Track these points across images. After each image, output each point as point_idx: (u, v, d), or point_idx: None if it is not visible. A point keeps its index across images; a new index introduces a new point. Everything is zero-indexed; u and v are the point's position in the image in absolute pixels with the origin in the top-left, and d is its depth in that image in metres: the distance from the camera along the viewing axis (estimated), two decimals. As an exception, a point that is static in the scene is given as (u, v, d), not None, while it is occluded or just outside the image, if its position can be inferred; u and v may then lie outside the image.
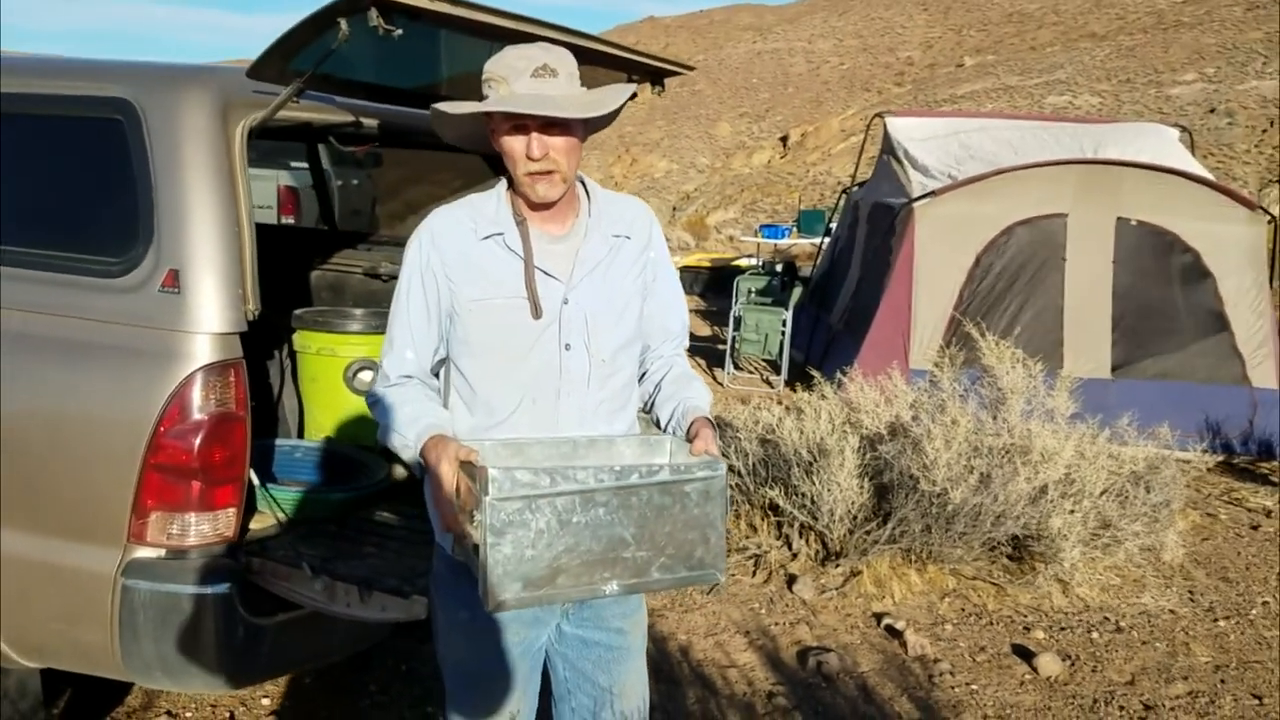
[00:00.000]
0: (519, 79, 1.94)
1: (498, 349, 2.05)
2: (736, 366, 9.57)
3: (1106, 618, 4.57)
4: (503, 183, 2.12)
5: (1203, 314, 7.41)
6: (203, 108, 2.60)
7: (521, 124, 1.96)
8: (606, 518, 1.78)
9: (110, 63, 2.96)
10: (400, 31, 2.32)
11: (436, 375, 2.17)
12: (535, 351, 2.05)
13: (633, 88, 2.14)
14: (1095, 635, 4.40)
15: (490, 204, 2.09)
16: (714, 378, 9.48)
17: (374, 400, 2.11)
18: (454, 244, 2.06)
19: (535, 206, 2.06)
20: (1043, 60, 28.99)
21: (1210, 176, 7.96)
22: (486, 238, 2.06)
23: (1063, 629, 4.46)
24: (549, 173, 1.99)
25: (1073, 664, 4.13)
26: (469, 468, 1.83)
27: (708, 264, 15.03)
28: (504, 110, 1.93)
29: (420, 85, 3.08)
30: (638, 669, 2.28)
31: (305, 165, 7.44)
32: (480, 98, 2.03)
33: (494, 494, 1.71)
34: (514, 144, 1.97)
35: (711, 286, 14.14)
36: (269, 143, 8.38)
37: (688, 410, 2.13)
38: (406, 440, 1.98)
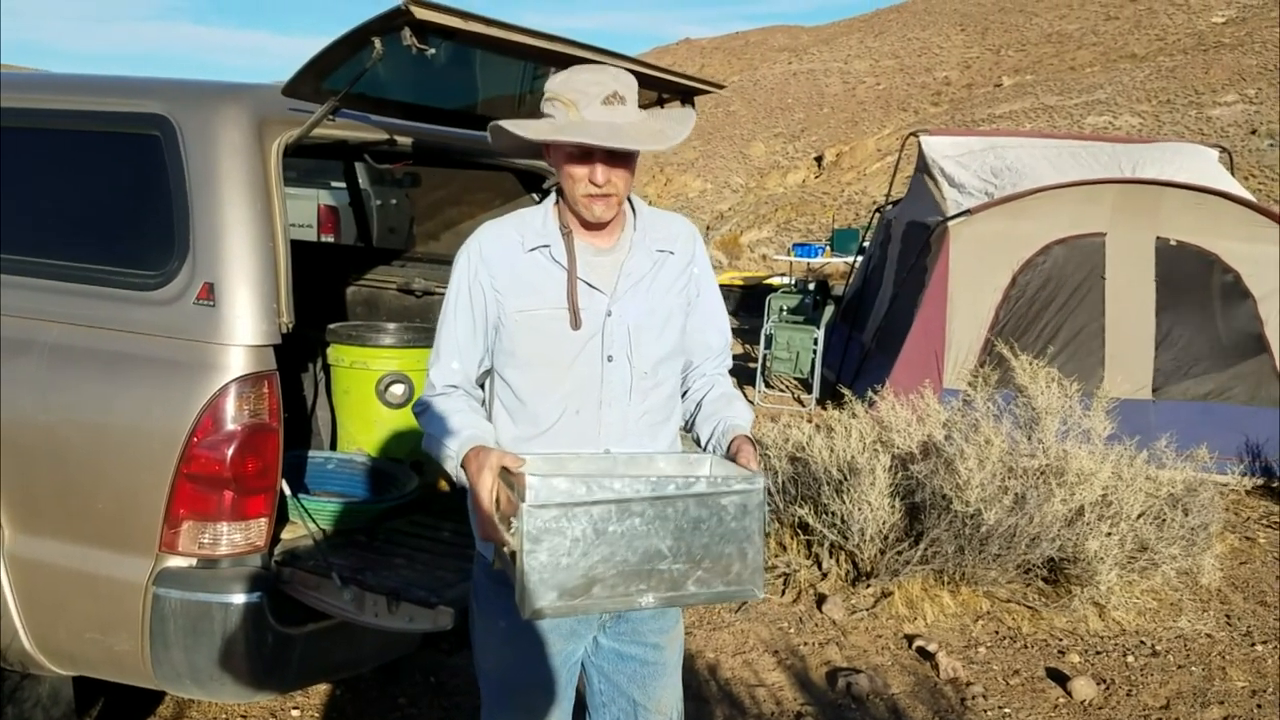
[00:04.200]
0: (590, 105, 1.95)
1: (542, 360, 2.08)
2: (768, 385, 9.55)
3: (1142, 641, 4.51)
4: (551, 197, 2.15)
5: (1243, 335, 7.32)
6: (238, 124, 2.64)
7: (587, 150, 1.98)
8: (643, 528, 1.78)
9: (148, 80, 3.01)
10: (434, 51, 2.35)
11: (481, 386, 2.19)
12: (578, 363, 2.07)
13: (694, 116, 2.14)
14: (1131, 659, 4.34)
15: (537, 217, 2.12)
16: (745, 396, 9.45)
17: (420, 409, 2.15)
18: (501, 256, 2.09)
19: (588, 225, 2.08)
20: (1082, 80, 28.78)
21: (1251, 197, 7.86)
22: (533, 250, 2.08)
23: (1098, 653, 4.40)
24: (608, 196, 2.02)
25: (1108, 688, 4.07)
26: (508, 476, 1.84)
27: (740, 282, 15.02)
28: (578, 141, 1.94)
29: (454, 104, 3.11)
30: (672, 684, 2.29)
31: (344, 185, 7.53)
32: (526, 114, 2.05)
33: (531, 500, 1.72)
34: (576, 168, 1.99)
35: (744, 305, 14.12)
36: (309, 163, 8.52)
37: (728, 429, 2.14)
38: (449, 450, 2.01)
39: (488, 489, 1.88)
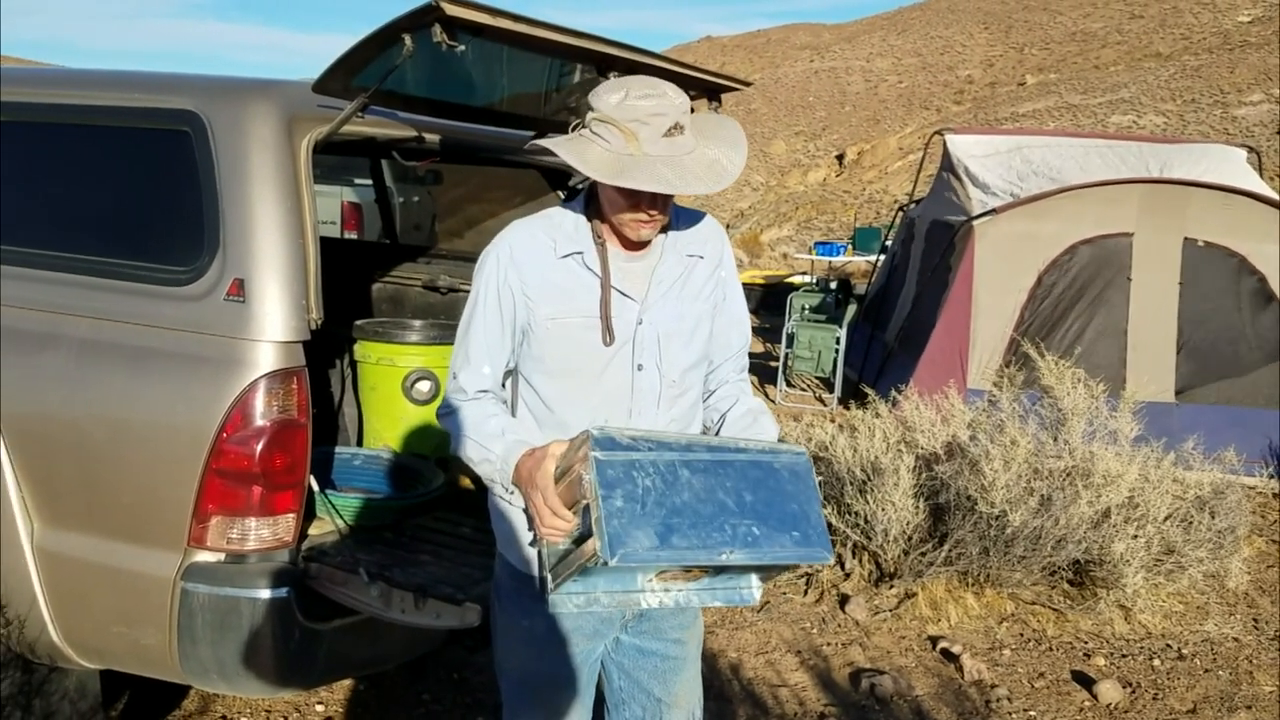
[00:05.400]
0: (652, 139, 1.88)
1: (572, 369, 2.05)
2: (789, 384, 9.52)
3: (1169, 645, 4.47)
4: (580, 200, 2.11)
5: (1268, 338, 7.25)
6: (268, 120, 2.64)
7: None
8: (710, 482, 1.80)
9: (177, 76, 3.02)
10: (463, 48, 2.35)
11: (502, 385, 2.17)
12: (609, 372, 2.05)
13: (742, 133, 2.06)
14: (1157, 663, 4.30)
15: (569, 221, 2.08)
16: (766, 395, 9.43)
17: (448, 411, 2.11)
18: (532, 261, 2.05)
19: (630, 244, 2.06)
20: (1106, 79, 28.60)
21: (1279, 198, 7.79)
22: (566, 256, 2.05)
23: (1124, 656, 4.37)
24: (655, 221, 1.99)
25: (1134, 692, 4.04)
26: (564, 459, 1.83)
27: (761, 281, 14.99)
28: (650, 190, 1.87)
29: (482, 101, 3.11)
30: (692, 679, 2.29)
31: (368, 182, 7.55)
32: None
33: (598, 450, 1.73)
34: (628, 199, 1.95)
35: (765, 303, 14.09)
36: (332, 159, 8.55)
37: None
38: (489, 454, 1.98)
39: (552, 475, 1.85)
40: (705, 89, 2.98)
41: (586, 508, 1.75)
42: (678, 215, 2.16)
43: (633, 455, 1.76)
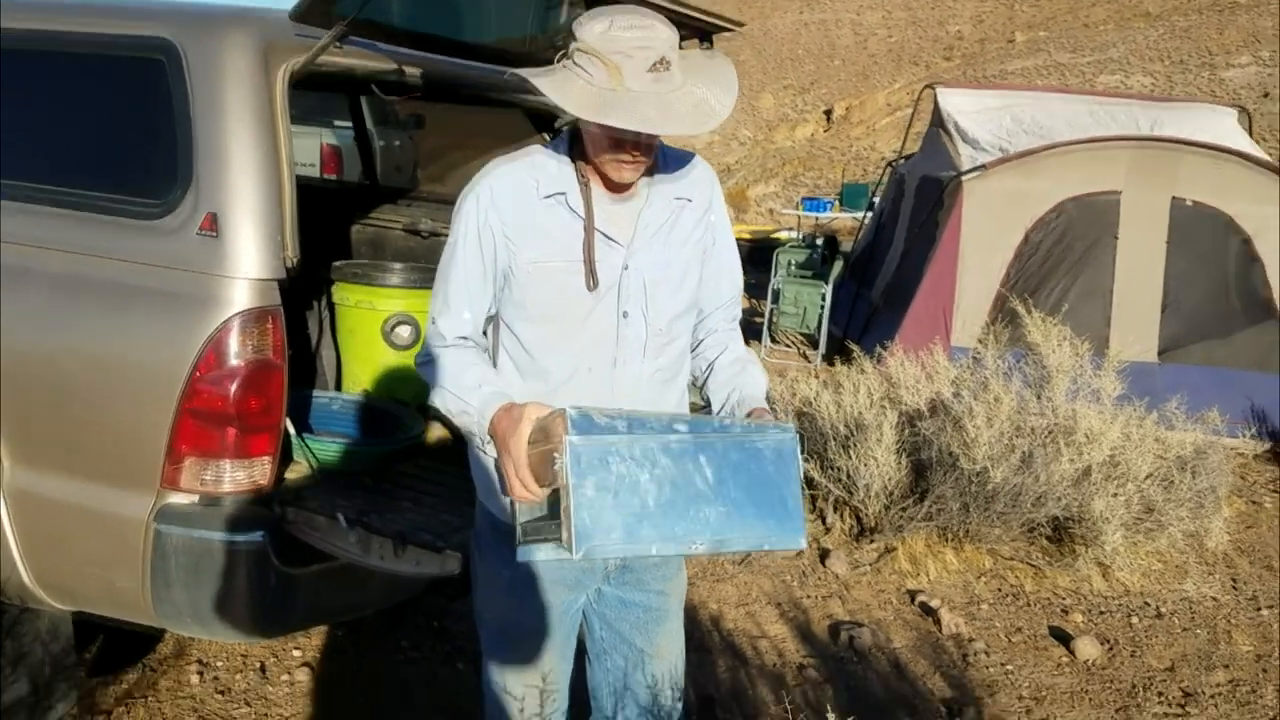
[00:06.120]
0: (636, 74, 1.77)
1: (555, 315, 1.97)
2: (774, 339, 9.49)
3: (1147, 603, 4.49)
4: (564, 139, 2.02)
5: (1252, 300, 7.23)
6: (244, 50, 2.55)
7: None
8: (686, 467, 1.73)
9: (152, 3, 2.92)
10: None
11: (484, 333, 2.09)
12: (593, 318, 1.97)
13: (733, 72, 1.94)
14: (1135, 620, 4.32)
15: (552, 162, 1.98)
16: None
17: (426, 359, 2.03)
18: (513, 201, 1.96)
19: (613, 186, 1.97)
20: (1095, 39, 28.42)
21: (1271, 160, 7.75)
22: (548, 196, 1.96)
23: (1102, 613, 4.38)
24: (639, 162, 1.91)
25: (1111, 649, 4.06)
26: (540, 424, 1.75)
27: (748, 237, 14.90)
28: (632, 128, 1.76)
29: (466, 36, 3.02)
30: (674, 630, 2.26)
31: (348, 124, 7.41)
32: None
33: (574, 434, 1.65)
34: (611, 138, 1.86)
35: (751, 259, 14.01)
36: (311, 100, 8.40)
37: (744, 399, 2.04)
38: (467, 405, 1.90)
39: (526, 441, 1.75)
40: (697, 29, 2.89)
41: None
42: (666, 157, 2.07)
43: (608, 439, 1.67)
